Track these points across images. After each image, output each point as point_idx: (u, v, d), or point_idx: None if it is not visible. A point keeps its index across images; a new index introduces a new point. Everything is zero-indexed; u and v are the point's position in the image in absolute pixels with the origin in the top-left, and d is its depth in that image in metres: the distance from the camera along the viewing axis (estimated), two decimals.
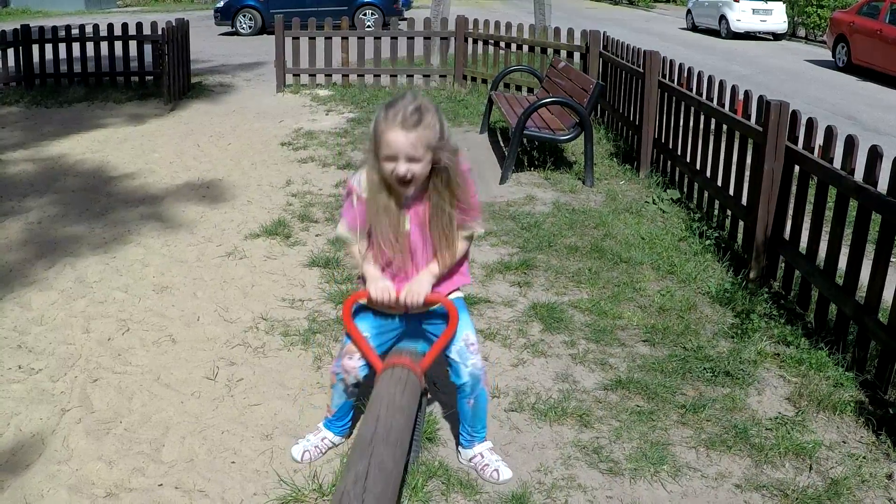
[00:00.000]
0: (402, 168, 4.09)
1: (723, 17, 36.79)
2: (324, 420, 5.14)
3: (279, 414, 5.50)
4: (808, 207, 7.19)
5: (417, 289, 4.34)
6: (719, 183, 8.93)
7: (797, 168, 7.32)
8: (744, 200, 8.21)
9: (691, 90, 10.11)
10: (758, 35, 37.04)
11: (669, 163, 10.77)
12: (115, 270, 7.89)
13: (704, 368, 6.09)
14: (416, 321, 4.71)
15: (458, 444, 5.06)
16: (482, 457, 4.92)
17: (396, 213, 4.32)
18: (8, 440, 5.19)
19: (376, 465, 3.19)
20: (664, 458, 5.05)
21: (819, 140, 7.15)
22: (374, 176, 4.25)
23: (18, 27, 17.82)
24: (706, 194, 9.41)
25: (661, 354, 6.34)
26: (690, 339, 6.56)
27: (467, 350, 4.64)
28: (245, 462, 5.00)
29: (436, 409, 5.52)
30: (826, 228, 6.87)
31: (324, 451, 5.04)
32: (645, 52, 11.41)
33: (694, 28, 40.04)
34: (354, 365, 4.67)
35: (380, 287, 4.35)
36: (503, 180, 10.98)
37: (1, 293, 7.35)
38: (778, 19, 36.17)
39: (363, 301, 4.57)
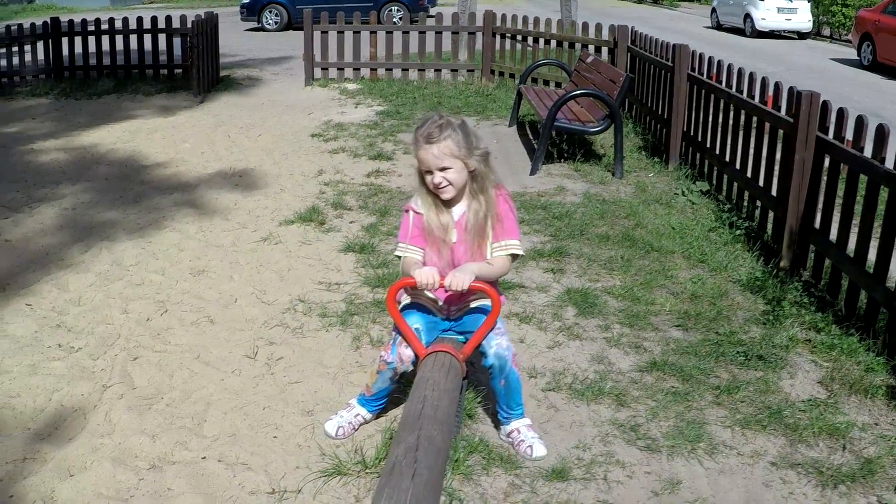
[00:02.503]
0: (437, 178, 4.56)
1: (748, 16, 36.66)
2: (359, 397, 5.19)
3: (319, 391, 5.57)
4: (838, 198, 7.19)
5: (462, 275, 4.46)
6: (749, 174, 8.93)
7: (827, 158, 7.33)
8: (773, 191, 8.23)
9: (720, 83, 10.12)
10: (782, 34, 36.90)
11: (698, 155, 10.78)
12: (151, 254, 7.97)
13: (737, 352, 6.12)
14: (458, 320, 4.92)
15: (498, 420, 5.14)
16: (518, 433, 5.00)
17: (444, 224, 4.70)
18: (50, 414, 5.27)
19: (425, 438, 3.24)
20: (700, 436, 5.09)
21: (849, 130, 7.18)
22: (425, 192, 4.70)
23: (48, 20, 17.90)
24: (735, 186, 9.42)
25: (694, 339, 6.37)
26: (723, 325, 6.59)
27: (493, 333, 4.76)
28: (287, 437, 5.06)
29: (477, 387, 5.55)
30: (856, 217, 6.89)
31: (356, 427, 5.12)
32: (674, 45, 11.40)
33: (718, 27, 39.90)
34: (409, 354, 4.75)
35: (425, 272, 4.48)
36: (534, 171, 11.02)
37: (38, 275, 7.43)
38: (803, 18, 36.00)
39: (405, 299, 4.85)
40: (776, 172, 8.18)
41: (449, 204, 4.71)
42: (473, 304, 4.89)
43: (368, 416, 5.17)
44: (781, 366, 6.01)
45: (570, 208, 9.36)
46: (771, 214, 8.25)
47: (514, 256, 4.80)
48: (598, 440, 5.08)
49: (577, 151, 11.82)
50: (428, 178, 4.57)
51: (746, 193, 9.06)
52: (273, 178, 10.74)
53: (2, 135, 13.29)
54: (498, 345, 4.77)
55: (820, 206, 7.41)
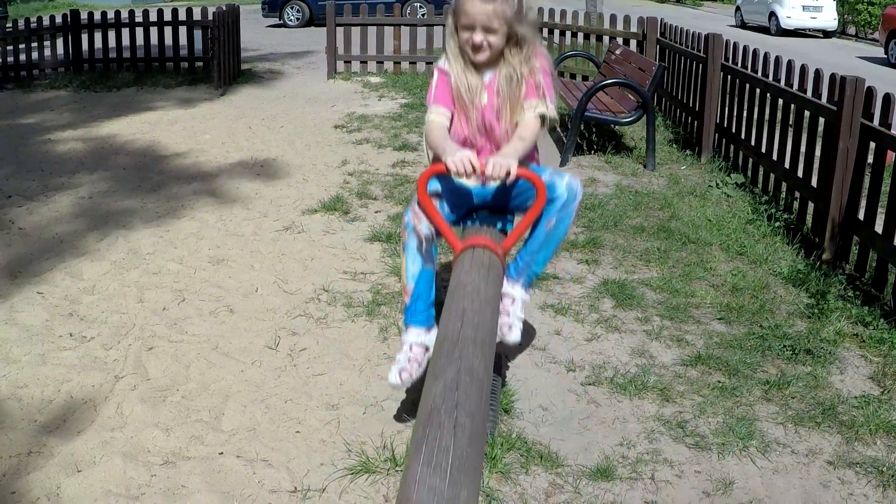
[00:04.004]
0: (478, 37, 4.29)
1: (772, 14, 36.46)
2: (404, 314, 4.70)
3: (345, 384, 5.32)
4: (884, 188, 6.94)
5: (503, 161, 4.04)
6: (787, 165, 8.69)
7: (872, 145, 7.08)
8: (813, 182, 7.99)
9: (756, 72, 9.87)
10: (807, 32, 36.72)
11: (732, 147, 10.55)
12: (169, 243, 7.75)
13: (784, 346, 5.89)
14: (493, 191, 4.53)
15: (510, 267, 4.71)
16: (512, 302, 4.62)
17: (474, 86, 4.40)
18: (58, 406, 5.05)
19: (466, 371, 2.88)
20: (752, 433, 4.86)
21: (895, 118, 6.94)
22: (453, 47, 4.41)
23: (68, 13, 17.75)
24: (772, 178, 9.17)
25: (737, 332, 6.14)
26: (766, 318, 6.35)
27: (554, 174, 4.41)
28: (310, 432, 4.82)
29: (513, 381, 5.33)
30: None
31: (421, 361, 4.58)
32: (707, 35, 11.17)
33: (743, 25, 39.75)
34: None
35: (458, 157, 4.05)
36: (563, 163, 10.79)
37: (51, 263, 7.22)
38: (828, 16, 35.82)
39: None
40: (816, 163, 7.91)
41: (480, 66, 4.45)
42: (514, 202, 4.57)
43: (426, 336, 4.61)
44: (830, 360, 5.77)
45: (603, 199, 9.11)
46: (811, 206, 8.02)
47: (544, 119, 4.47)
48: (643, 437, 4.82)
49: (608, 143, 11.59)
50: (465, 34, 4.31)
51: (784, 185, 8.82)
52: (295, 168, 10.51)
53: (20, 126, 13.12)
54: (571, 179, 4.38)
55: (864, 196, 7.13)
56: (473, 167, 4.02)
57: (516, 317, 4.61)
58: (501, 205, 4.57)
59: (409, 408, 4.96)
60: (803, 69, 8.76)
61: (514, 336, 4.56)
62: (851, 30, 37.81)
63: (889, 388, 5.44)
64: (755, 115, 9.74)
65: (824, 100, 7.94)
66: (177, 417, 4.93)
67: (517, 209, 4.53)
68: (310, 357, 5.67)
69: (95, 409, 5.00)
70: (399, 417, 4.95)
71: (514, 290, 4.63)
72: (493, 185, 4.29)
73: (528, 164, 4.48)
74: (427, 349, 4.60)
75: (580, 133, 11.37)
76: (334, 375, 5.42)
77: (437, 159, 4.33)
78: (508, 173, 4.01)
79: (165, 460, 4.54)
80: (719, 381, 5.42)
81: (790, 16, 35.51)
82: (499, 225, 4.53)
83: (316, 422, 4.91)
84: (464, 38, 4.31)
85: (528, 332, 6.00)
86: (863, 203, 7.17)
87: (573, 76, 16.54)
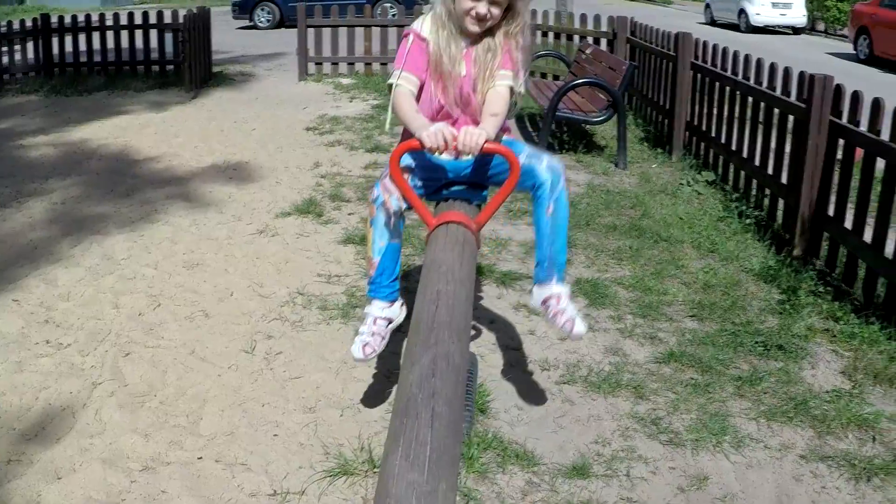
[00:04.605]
0: (483, 8, 4.18)
1: (742, 11, 36.60)
2: (368, 288, 4.70)
3: (321, 387, 5.34)
4: (853, 184, 7.02)
5: (475, 132, 3.97)
6: (757, 163, 8.75)
7: (841, 142, 7.16)
8: (784, 179, 8.04)
9: (726, 70, 9.93)
10: (777, 29, 36.88)
11: (702, 145, 10.60)
12: (144, 248, 7.73)
13: (756, 342, 5.95)
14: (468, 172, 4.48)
15: (533, 282, 4.69)
16: (558, 301, 4.54)
17: (455, 54, 4.31)
18: (36, 414, 5.05)
19: (442, 357, 2.89)
20: (725, 429, 4.91)
21: (864, 115, 7.00)
22: (444, 12, 4.29)
23: (38, 17, 17.68)
24: (743, 175, 9.24)
25: (710, 329, 6.19)
26: (738, 315, 6.41)
27: (536, 153, 4.41)
28: (288, 435, 4.84)
29: (487, 380, 5.38)
30: (873, 203, 6.69)
31: (384, 334, 4.62)
32: (677, 34, 11.25)
33: (713, 22, 39.85)
34: (395, 187, 4.33)
35: (432, 131, 3.97)
36: None
37: (25, 270, 7.19)
38: (797, 13, 35.99)
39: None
40: (786, 160, 7.97)
41: (462, 36, 4.36)
42: (489, 173, 4.50)
43: (391, 310, 4.66)
44: (802, 356, 5.84)
45: (574, 199, 9.13)
46: (781, 203, 8.09)
47: (512, 93, 4.38)
48: (617, 435, 4.87)
49: (579, 143, 11.64)
50: (468, 3, 4.16)
51: (755, 182, 8.87)
52: (268, 171, 10.50)
53: None
54: (549, 159, 4.38)
55: (833, 193, 7.20)
56: (446, 141, 3.96)
57: (570, 310, 4.52)
58: (475, 179, 4.53)
59: (385, 409, 5.02)
60: (773, 67, 8.81)
61: (579, 328, 4.47)
62: (821, 26, 37.97)
63: (860, 382, 5.50)
64: (725, 113, 9.78)
65: (793, 98, 7.99)
66: (155, 423, 4.94)
67: (492, 183, 4.49)
68: (286, 360, 5.68)
69: (74, 416, 5.00)
70: (375, 418, 4.97)
71: (552, 289, 4.56)
72: (467, 158, 4.19)
73: (502, 136, 4.49)
74: (390, 321, 4.66)
75: (552, 132, 11.42)
76: (311, 378, 5.43)
77: (405, 132, 4.33)
78: (481, 147, 3.97)
79: (145, 466, 4.55)
80: (692, 378, 5.46)
81: (759, 13, 35.68)
82: (473, 200, 4.51)
83: (293, 425, 4.93)
84: (465, 7, 4.18)
85: (503, 331, 6.05)
86: (832, 199, 7.22)
87: (544, 75, 16.59)
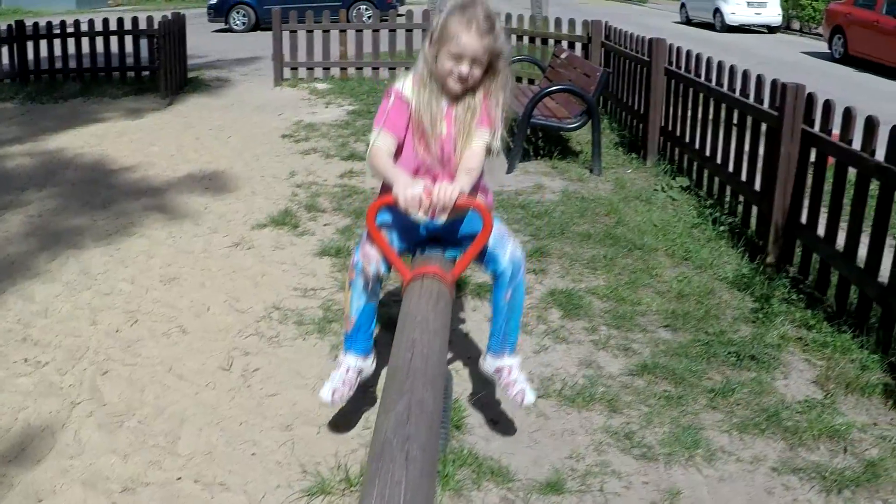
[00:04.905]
0: (465, 69, 4.21)
1: (717, 11, 36.74)
2: (344, 341, 4.84)
3: (298, 404, 5.36)
4: (825, 192, 7.07)
5: (449, 189, 4.04)
6: (731, 169, 8.82)
7: (814, 151, 7.21)
8: (757, 186, 8.10)
9: (699, 76, 9.99)
10: (752, 28, 37.02)
11: (677, 151, 10.66)
12: (120, 262, 7.73)
13: (729, 353, 6.00)
14: (442, 227, 4.50)
15: (486, 350, 4.88)
16: (509, 372, 4.77)
17: (436, 113, 4.35)
18: (16, 434, 5.04)
19: (416, 404, 2.96)
20: (698, 442, 4.96)
21: (836, 123, 7.06)
22: (426, 72, 4.33)
23: (13, 24, 17.64)
24: (717, 181, 9.30)
25: (683, 339, 6.24)
26: (712, 324, 6.46)
27: (504, 237, 4.52)
28: (266, 453, 4.86)
29: (463, 396, 5.42)
30: (845, 211, 6.77)
31: (353, 384, 4.79)
32: (651, 39, 11.32)
33: (688, 22, 40.01)
34: (376, 253, 4.44)
35: (409, 193, 4.04)
36: (510, 169, 10.86)
37: (3, 286, 7.18)
38: (772, 12, 36.17)
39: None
40: (759, 167, 8.03)
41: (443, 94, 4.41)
42: (463, 230, 4.57)
43: (363, 362, 4.83)
44: (775, 365, 5.90)
45: (549, 206, 9.20)
46: (755, 210, 8.15)
47: (489, 150, 4.45)
48: (591, 449, 4.91)
49: (554, 149, 11.70)
50: (450, 63, 4.21)
51: (729, 189, 8.95)
52: (244, 181, 10.52)
53: None
54: (513, 249, 4.51)
55: (806, 200, 7.26)
56: (420, 198, 4.02)
57: (521, 381, 4.77)
58: (449, 237, 4.59)
59: (362, 427, 5.06)
60: (745, 74, 8.88)
61: (528, 399, 4.73)
62: (796, 25, 38.17)
63: (832, 391, 5.56)
64: (699, 119, 9.85)
65: (766, 105, 8.05)
66: (134, 443, 4.96)
67: (465, 238, 4.54)
68: (263, 377, 5.70)
69: (53, 437, 5.01)
70: (352, 436, 5.01)
71: (504, 361, 4.79)
72: (441, 220, 4.24)
73: (476, 194, 4.53)
74: (360, 373, 4.82)
75: (526, 137, 11.46)
76: (287, 395, 5.46)
77: (385, 186, 4.39)
78: (454, 201, 4.05)
79: (124, 487, 4.57)
80: (665, 391, 5.51)
81: (735, 12, 35.88)
82: (448, 253, 4.56)
83: (271, 443, 4.95)
84: (447, 67, 4.23)
85: (478, 346, 6.08)
86: (805, 207, 7.28)
87: (519, 79, 16.59)
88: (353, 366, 4.79)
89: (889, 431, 5.15)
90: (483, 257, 4.50)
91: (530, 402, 4.72)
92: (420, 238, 4.60)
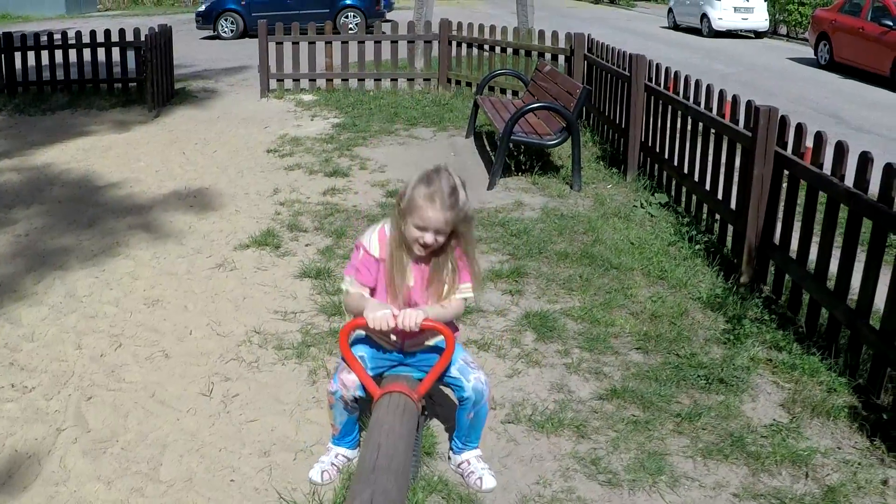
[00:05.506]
0: (430, 238, 4.37)
1: (704, 16, 36.84)
2: (332, 439, 5.10)
3: (276, 430, 5.48)
4: (798, 212, 7.18)
5: (414, 313, 4.35)
6: (707, 187, 8.93)
7: (787, 173, 7.32)
8: (733, 205, 8.23)
9: (678, 94, 10.11)
10: (739, 33, 37.12)
11: (657, 167, 10.78)
12: (105, 284, 7.84)
13: (698, 376, 6.10)
14: (412, 355, 4.81)
15: (450, 448, 5.14)
16: (469, 464, 4.98)
17: (404, 268, 4.55)
18: (4, 461, 5.16)
19: (380, 492, 3.16)
20: (662, 468, 5.06)
21: (809, 144, 7.18)
22: (395, 233, 4.52)
23: (1, 35, 17.73)
24: (694, 198, 9.42)
25: (654, 362, 6.35)
26: (683, 346, 6.56)
27: (468, 367, 4.73)
28: (244, 480, 4.98)
29: (434, 423, 5.52)
30: (816, 233, 6.89)
31: (340, 467, 5.03)
32: (631, 55, 11.40)
33: (675, 27, 40.08)
34: (353, 379, 4.66)
35: (378, 314, 4.36)
36: (491, 186, 10.96)
37: None
38: (759, 17, 36.27)
39: (361, 329, 4.65)
40: (735, 185, 8.15)
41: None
42: (430, 343, 4.78)
43: (350, 452, 5.10)
44: (743, 388, 5.99)
45: (529, 224, 9.32)
46: (730, 228, 8.27)
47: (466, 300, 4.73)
48: (558, 475, 5.02)
49: (535, 164, 11.80)
50: (416, 233, 4.39)
51: (705, 206, 9.06)
52: (228, 198, 10.63)
53: None
54: (477, 379, 4.71)
55: (780, 220, 7.38)
56: (389, 324, 4.34)
57: (480, 469, 4.98)
58: (417, 364, 4.83)
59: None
60: (722, 94, 9.00)
61: (487, 484, 4.92)
62: (783, 30, 38.27)
63: (798, 415, 5.66)
64: (678, 137, 9.96)
65: (741, 126, 8.17)
66: (117, 469, 5.07)
67: (435, 350, 4.77)
68: (242, 403, 5.82)
69: (39, 464, 5.12)
70: None
71: (463, 456, 5.06)
72: (411, 350, 4.69)
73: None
74: (349, 460, 5.07)
75: (508, 151, 11.57)
76: (266, 421, 5.57)
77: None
78: (419, 325, 4.36)
79: None
80: (633, 416, 5.62)
81: (722, 17, 35.96)
82: (416, 375, 4.80)
83: (249, 469, 5.07)
84: (413, 236, 4.40)
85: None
86: (779, 227, 7.41)
87: (503, 91, 16.76)
88: (342, 453, 5.08)
89: (852, 455, 5.25)
90: (447, 379, 4.77)
91: (489, 488, 4.88)
92: (390, 365, 4.85)
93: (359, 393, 4.69)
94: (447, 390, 5.27)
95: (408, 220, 4.40)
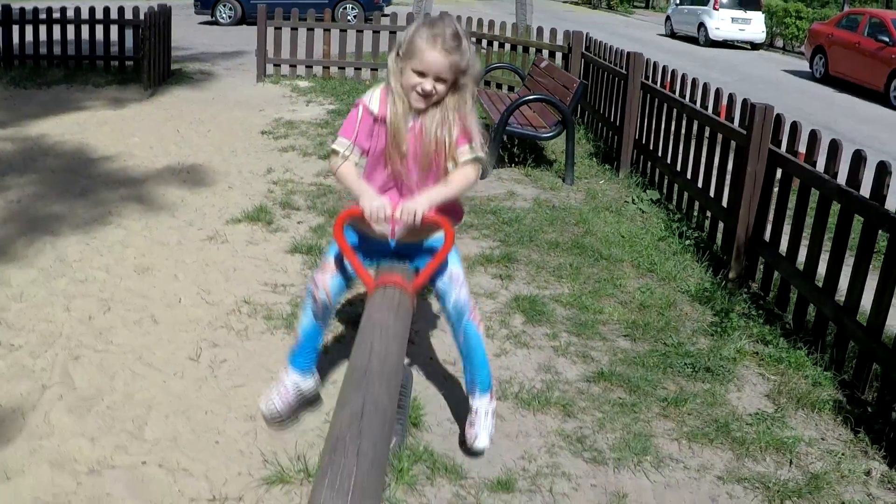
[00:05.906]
0: (429, 85, 4.24)
1: (702, 25, 36.95)
2: (289, 355, 5.09)
3: (262, 396, 5.46)
4: (789, 210, 7.24)
5: (413, 206, 4.21)
6: (700, 185, 8.96)
7: (779, 170, 7.36)
8: (724, 202, 8.26)
9: (674, 92, 10.14)
10: (736, 44, 37.21)
11: (649, 164, 10.82)
12: (96, 251, 7.82)
13: (685, 364, 6.12)
14: (406, 252, 4.67)
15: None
16: (476, 414, 4.98)
17: (401, 126, 4.36)
18: None
19: (371, 402, 3.10)
20: (647, 448, 5.08)
21: (802, 144, 7.22)
22: (399, 91, 4.35)
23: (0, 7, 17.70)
24: (686, 195, 9.45)
25: (641, 349, 6.37)
26: (671, 336, 6.59)
27: (451, 284, 4.68)
28: (229, 442, 4.98)
29: (422, 395, 5.53)
30: (807, 231, 6.92)
31: (291, 401, 5.03)
32: (629, 53, 11.44)
33: (672, 35, 40.18)
34: (327, 281, 4.64)
35: (375, 204, 4.21)
36: (484, 175, 10.92)
37: None
38: (756, 29, 36.41)
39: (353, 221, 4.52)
40: (727, 183, 8.19)
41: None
42: (427, 243, 4.65)
43: (301, 380, 5.05)
44: (729, 378, 6.02)
45: (520, 214, 9.34)
46: (721, 225, 8.30)
47: (477, 162, 4.46)
48: (544, 451, 5.04)
49: (529, 156, 11.84)
50: (415, 79, 4.24)
51: (697, 203, 9.10)
52: (221, 176, 10.62)
53: None
54: (457, 296, 4.68)
55: (770, 218, 7.41)
56: (387, 215, 4.21)
57: (482, 427, 4.95)
58: (414, 253, 4.68)
59: (322, 420, 5.18)
60: (718, 92, 9.04)
61: (479, 444, 4.91)
62: (779, 42, 38.40)
63: (783, 405, 5.70)
64: (672, 134, 10.00)
65: (736, 124, 8.20)
66: (101, 427, 5.06)
67: (429, 252, 4.62)
68: (230, 369, 5.81)
69: (24, 418, 5.11)
70: (311, 428, 5.13)
71: (474, 402, 5.02)
72: (401, 237, 4.49)
73: (454, 220, 4.64)
74: (300, 391, 5.06)
75: (502, 144, 11.58)
76: (253, 387, 5.56)
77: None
78: (419, 221, 4.23)
79: (91, 469, 4.68)
80: (620, 398, 5.64)
81: (719, 27, 36.11)
82: (412, 265, 4.63)
83: (235, 432, 5.07)
84: (411, 83, 4.26)
85: (438, 346, 6.24)
86: (770, 224, 7.46)
87: (499, 86, 16.79)
88: (291, 382, 5.05)
89: (835, 446, 5.29)
90: (440, 280, 4.69)
91: (479, 448, 4.90)
92: (386, 254, 4.69)
93: (332, 296, 4.68)
94: (440, 372, 5.25)
95: (407, 66, 4.28)
